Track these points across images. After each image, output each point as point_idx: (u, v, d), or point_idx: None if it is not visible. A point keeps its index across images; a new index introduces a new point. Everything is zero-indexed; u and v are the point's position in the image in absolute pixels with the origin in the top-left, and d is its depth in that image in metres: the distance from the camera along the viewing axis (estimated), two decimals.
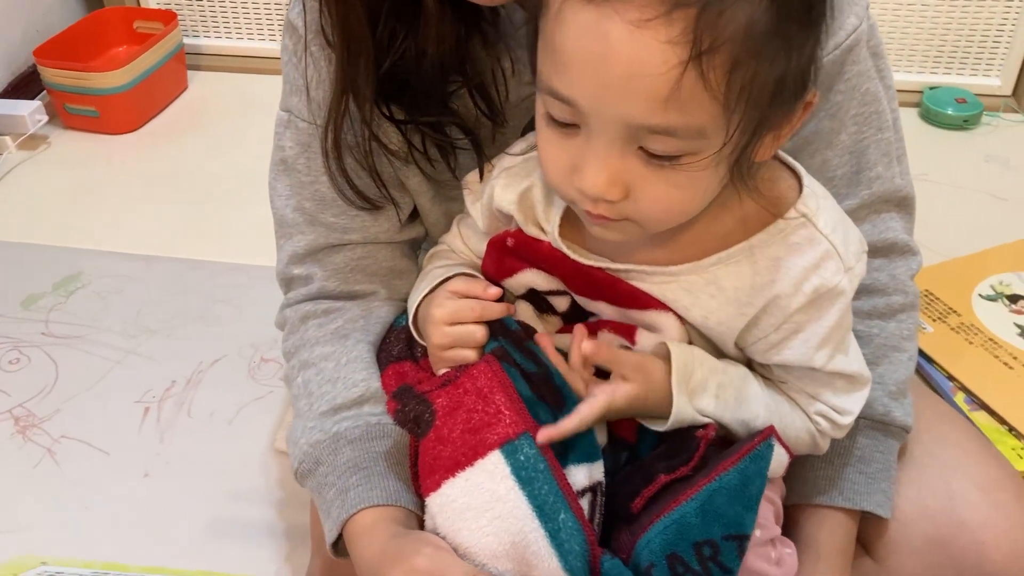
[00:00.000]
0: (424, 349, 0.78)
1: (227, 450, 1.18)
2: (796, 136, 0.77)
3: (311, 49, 0.77)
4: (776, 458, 0.67)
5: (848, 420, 0.71)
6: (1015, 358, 1.17)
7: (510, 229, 0.74)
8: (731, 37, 0.52)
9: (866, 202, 0.80)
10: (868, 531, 0.80)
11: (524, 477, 0.64)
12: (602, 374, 0.70)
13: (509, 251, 0.74)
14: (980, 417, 1.10)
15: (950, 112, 1.78)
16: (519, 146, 0.74)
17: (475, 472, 0.65)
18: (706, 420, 0.67)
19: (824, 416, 0.70)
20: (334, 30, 0.72)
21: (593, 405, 0.67)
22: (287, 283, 0.86)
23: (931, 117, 1.80)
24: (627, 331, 0.71)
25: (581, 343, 0.68)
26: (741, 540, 0.64)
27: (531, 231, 0.73)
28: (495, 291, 0.74)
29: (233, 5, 2.05)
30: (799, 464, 0.75)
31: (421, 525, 0.69)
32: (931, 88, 1.83)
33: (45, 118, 1.81)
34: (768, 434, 0.66)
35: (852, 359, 0.69)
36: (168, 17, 1.93)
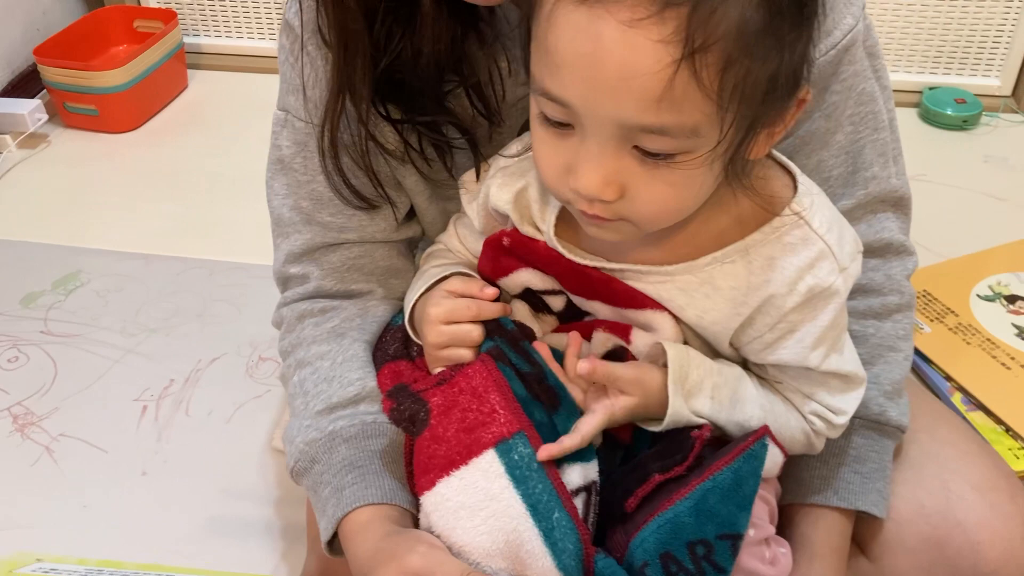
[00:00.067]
0: (420, 348, 0.78)
1: (225, 449, 1.18)
2: (792, 136, 0.77)
3: (308, 48, 0.77)
4: (771, 458, 0.67)
5: (843, 420, 0.71)
6: (1013, 358, 1.16)
7: (506, 229, 0.75)
8: (723, 35, 0.52)
9: (862, 202, 0.80)
10: (863, 531, 0.80)
11: (518, 476, 0.64)
12: None
13: (505, 250, 0.74)
14: (977, 417, 1.10)
15: (949, 112, 1.77)
16: (515, 146, 0.74)
17: (470, 471, 0.65)
18: (701, 421, 0.68)
19: (819, 416, 0.71)
20: (331, 29, 0.72)
21: (592, 422, 0.67)
22: (284, 282, 0.86)
23: (930, 117, 1.79)
24: (622, 331, 0.71)
25: (577, 363, 0.67)
26: (735, 539, 0.64)
27: (527, 231, 0.73)
28: (491, 291, 0.74)
29: (233, 4, 2.04)
30: (794, 463, 0.75)
31: (416, 524, 0.69)
32: (930, 88, 1.83)
33: (45, 117, 1.81)
34: (762, 434, 0.66)
35: (847, 359, 0.70)
36: (168, 16, 1.94)
